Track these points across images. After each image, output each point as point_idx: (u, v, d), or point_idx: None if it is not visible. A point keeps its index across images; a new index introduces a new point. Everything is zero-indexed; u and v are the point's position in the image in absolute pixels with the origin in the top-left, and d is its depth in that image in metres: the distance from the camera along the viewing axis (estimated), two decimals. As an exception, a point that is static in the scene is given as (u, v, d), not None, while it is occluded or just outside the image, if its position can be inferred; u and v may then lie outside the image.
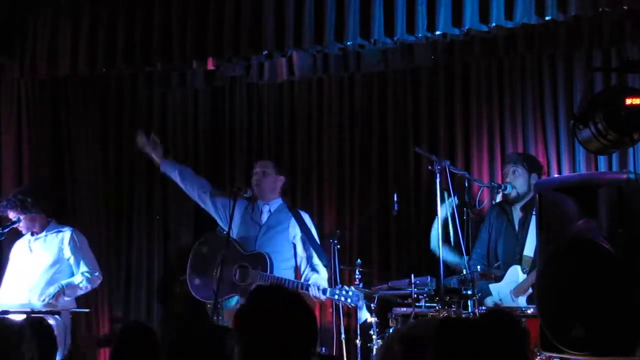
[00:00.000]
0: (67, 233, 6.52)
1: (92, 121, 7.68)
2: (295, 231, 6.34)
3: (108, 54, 6.60)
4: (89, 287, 6.50)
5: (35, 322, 4.23)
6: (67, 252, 6.47)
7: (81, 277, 6.44)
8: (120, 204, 7.71)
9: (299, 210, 6.46)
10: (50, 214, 6.60)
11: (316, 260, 6.27)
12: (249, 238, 6.25)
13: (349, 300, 5.95)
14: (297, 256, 6.32)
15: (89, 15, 6.62)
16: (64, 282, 6.38)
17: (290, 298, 2.86)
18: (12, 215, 6.45)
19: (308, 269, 6.28)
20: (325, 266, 6.25)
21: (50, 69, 6.80)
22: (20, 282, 6.47)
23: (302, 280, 6.19)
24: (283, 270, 6.19)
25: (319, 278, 6.18)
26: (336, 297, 5.95)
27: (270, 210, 6.35)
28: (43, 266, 6.44)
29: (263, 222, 6.33)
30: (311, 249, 6.26)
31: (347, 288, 5.99)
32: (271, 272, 6.06)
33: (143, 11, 6.52)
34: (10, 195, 6.62)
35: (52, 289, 6.28)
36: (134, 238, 7.70)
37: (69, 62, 6.69)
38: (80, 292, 6.50)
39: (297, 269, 6.36)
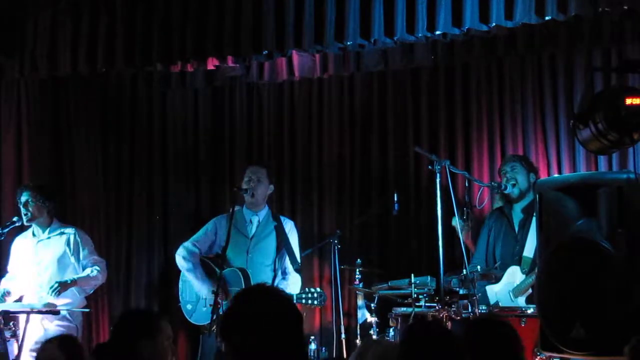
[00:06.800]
0: (71, 234, 6.50)
1: (92, 121, 7.68)
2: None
3: (108, 54, 6.59)
4: (101, 277, 6.45)
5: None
6: (71, 253, 6.45)
7: (91, 268, 6.40)
8: (120, 204, 7.71)
9: (283, 217, 6.49)
10: (55, 215, 6.57)
11: (289, 266, 6.28)
12: (239, 250, 6.22)
13: (315, 302, 5.95)
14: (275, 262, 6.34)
15: (89, 14, 6.62)
16: (75, 276, 6.34)
17: (275, 297, 2.88)
18: (27, 199, 6.37)
19: (279, 276, 6.32)
20: (296, 270, 6.22)
21: (51, 68, 6.79)
22: (28, 284, 6.43)
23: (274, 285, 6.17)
24: (270, 277, 6.22)
25: (285, 284, 6.20)
26: (303, 301, 5.94)
27: (259, 221, 6.32)
28: (50, 268, 6.40)
29: (252, 233, 6.31)
30: (285, 255, 6.28)
31: (312, 290, 6.01)
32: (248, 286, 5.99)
33: (143, 11, 6.52)
34: (30, 182, 6.66)
35: (55, 285, 6.20)
36: (134, 238, 7.70)
37: (69, 61, 6.67)
38: (95, 283, 6.45)
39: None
